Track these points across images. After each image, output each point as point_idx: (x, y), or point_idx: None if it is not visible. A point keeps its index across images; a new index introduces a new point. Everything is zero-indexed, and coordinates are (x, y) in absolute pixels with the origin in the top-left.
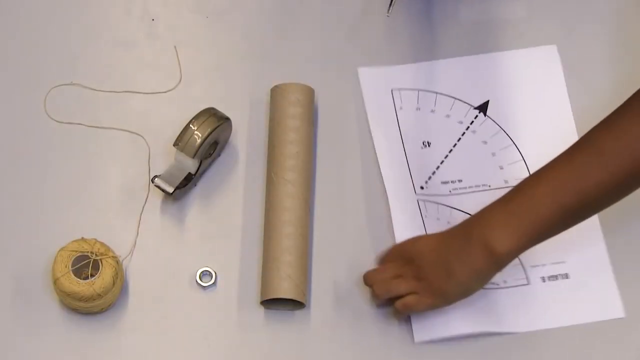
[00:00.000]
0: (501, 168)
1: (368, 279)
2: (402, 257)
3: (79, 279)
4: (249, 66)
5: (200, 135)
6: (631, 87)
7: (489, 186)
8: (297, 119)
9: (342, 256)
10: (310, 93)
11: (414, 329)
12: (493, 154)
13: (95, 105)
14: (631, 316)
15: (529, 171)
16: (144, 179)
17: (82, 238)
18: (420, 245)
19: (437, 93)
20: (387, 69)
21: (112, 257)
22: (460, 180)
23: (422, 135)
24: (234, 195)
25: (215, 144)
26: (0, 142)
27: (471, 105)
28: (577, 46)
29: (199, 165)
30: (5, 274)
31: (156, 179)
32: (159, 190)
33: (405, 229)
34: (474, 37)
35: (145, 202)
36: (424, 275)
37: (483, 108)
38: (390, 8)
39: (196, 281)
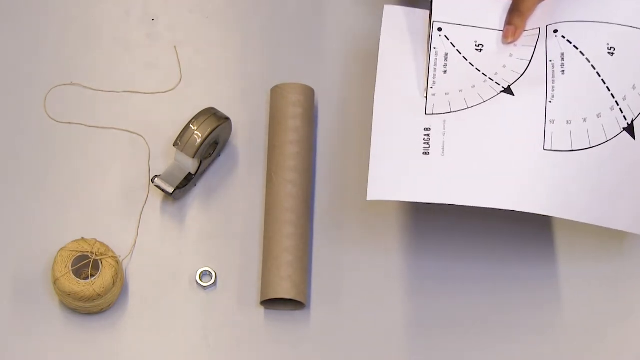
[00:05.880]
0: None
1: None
2: None
3: (78, 279)
4: (249, 66)
5: (200, 135)
6: None
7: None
8: (297, 119)
9: (342, 256)
10: (310, 93)
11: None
12: None
13: (95, 105)
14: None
15: None
16: (144, 179)
17: (82, 238)
18: None
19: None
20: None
21: (112, 257)
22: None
23: None
24: (234, 195)
25: (215, 144)
26: (0, 142)
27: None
28: None
29: (199, 165)
30: (6, 274)
31: (156, 179)
32: (159, 190)
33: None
34: None
35: (145, 202)
36: None
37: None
38: None
39: (196, 281)
